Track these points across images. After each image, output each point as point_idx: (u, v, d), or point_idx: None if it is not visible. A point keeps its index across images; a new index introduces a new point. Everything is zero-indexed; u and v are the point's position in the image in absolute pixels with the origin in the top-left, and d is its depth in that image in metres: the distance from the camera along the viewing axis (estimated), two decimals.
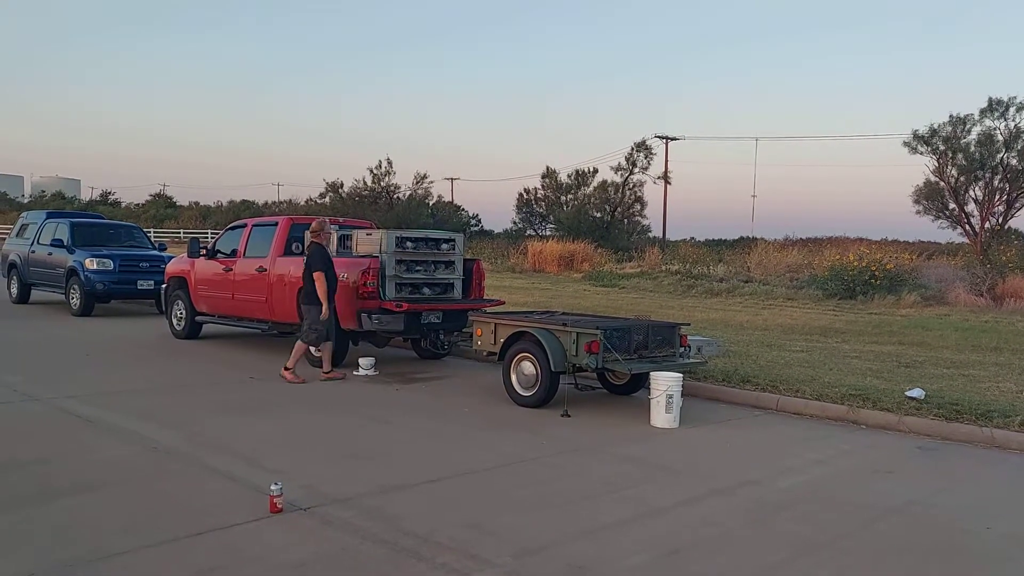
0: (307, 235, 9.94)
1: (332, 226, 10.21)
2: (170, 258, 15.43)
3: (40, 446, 6.28)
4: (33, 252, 17.35)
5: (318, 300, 9.25)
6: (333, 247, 10.49)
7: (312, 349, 9.91)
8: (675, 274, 26.56)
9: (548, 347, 7.88)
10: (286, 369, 9.32)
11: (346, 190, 56.61)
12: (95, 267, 15.53)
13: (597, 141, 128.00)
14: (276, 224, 11.32)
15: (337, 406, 8.03)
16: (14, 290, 17.89)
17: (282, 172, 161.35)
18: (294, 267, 10.48)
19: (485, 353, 8.76)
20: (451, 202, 69.31)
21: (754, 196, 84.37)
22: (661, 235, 52.93)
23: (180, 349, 11.67)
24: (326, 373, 9.56)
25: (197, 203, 74.15)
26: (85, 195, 79.23)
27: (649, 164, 52.21)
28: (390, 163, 57.22)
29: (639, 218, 54.72)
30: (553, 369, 7.86)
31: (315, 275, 9.19)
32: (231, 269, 11.64)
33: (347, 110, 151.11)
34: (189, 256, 12.47)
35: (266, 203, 76.10)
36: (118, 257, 15.73)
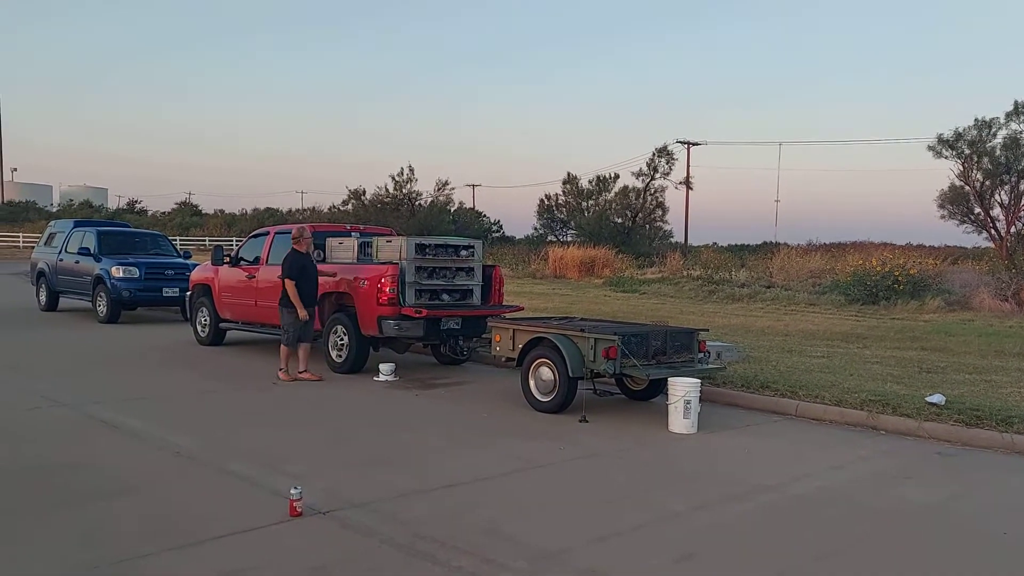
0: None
1: (313, 232, 10.50)
2: (195, 266, 15.62)
3: (67, 451, 6.39)
4: (61, 260, 17.62)
5: (291, 303, 9.68)
6: (347, 253, 10.69)
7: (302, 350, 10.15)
8: (696, 279, 26.47)
9: (566, 353, 7.90)
10: (280, 370, 9.87)
11: (368, 197, 56.86)
12: (121, 275, 15.76)
13: (619, 147, 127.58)
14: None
15: (357, 412, 8.09)
16: (43, 298, 18.17)
17: (305, 179, 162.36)
18: (321, 272, 10.59)
19: (504, 359, 8.78)
20: (472, 208, 69.57)
21: (777, 201, 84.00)
22: (683, 240, 52.72)
23: (204, 355, 11.79)
24: (300, 372, 9.88)
25: (222, 211, 74.70)
26: (112, 203, 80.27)
27: (671, 169, 52.09)
28: (412, 170, 57.70)
29: (660, 223, 54.46)
30: (571, 375, 7.87)
31: (286, 282, 9.65)
32: (254, 276, 11.76)
33: (370, 115, 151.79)
34: (213, 264, 12.62)
35: (290, 211, 76.54)
36: (144, 265, 15.95)
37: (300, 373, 9.93)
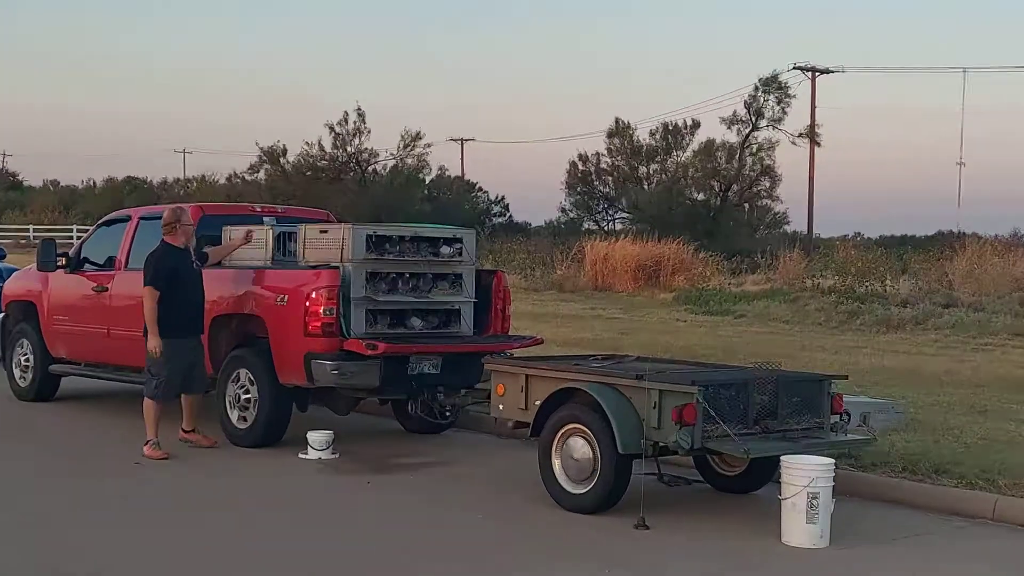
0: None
1: (191, 219, 10.51)
2: (10, 272, 15.55)
3: None
4: None
5: (161, 329, 9.84)
6: (255, 251, 10.71)
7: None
8: (827, 293, 26.40)
9: (613, 414, 7.85)
10: (147, 442, 9.95)
11: (291, 160, 56.96)
12: None
13: (697, 77, 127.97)
14: None
15: (266, 519, 8.04)
16: None
17: (190, 131, 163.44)
18: (211, 282, 10.52)
19: (510, 423, 8.81)
20: (460, 177, 69.73)
21: (960, 164, 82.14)
22: (805, 229, 52.67)
23: (22, 418, 11.73)
24: (185, 432, 10.22)
25: (56, 183, 75.08)
26: None
27: (784, 113, 52.05)
28: (361, 116, 57.14)
29: (768, 201, 54.68)
30: (621, 451, 7.81)
31: (144, 292, 9.88)
32: (106, 289, 11.77)
33: (290, 27, 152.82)
34: (40, 269, 12.58)
35: (164, 182, 76.70)
36: None
37: (187, 433, 10.10)
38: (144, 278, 9.91)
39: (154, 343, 9.83)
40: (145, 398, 10.06)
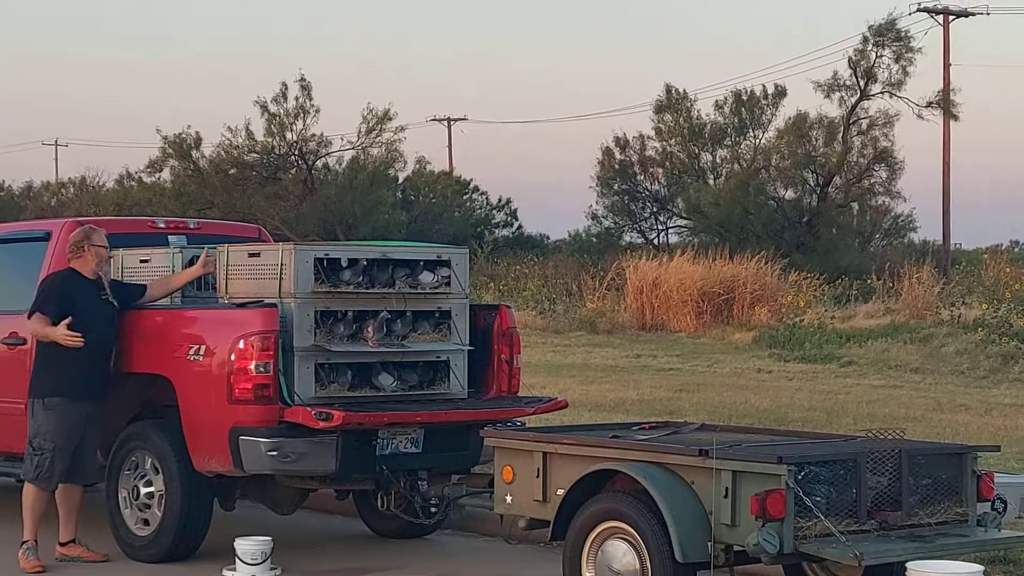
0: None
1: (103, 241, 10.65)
2: None
3: None
4: None
5: (50, 386, 10.08)
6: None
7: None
8: (973, 329, 26.48)
9: (667, 507, 7.87)
10: (22, 543, 10.10)
11: (208, 154, 56.93)
12: None
13: (781, 24, 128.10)
14: (48, 236, 11.55)
15: None
16: None
17: (68, 119, 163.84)
18: None
19: (522, 522, 8.86)
20: (447, 172, 69.82)
21: None
22: (939, 238, 52.68)
23: None
24: (62, 546, 10.31)
25: None
26: None
27: (906, 75, 51.78)
28: (306, 89, 56.83)
29: (886, 199, 54.47)
30: (680, 559, 7.83)
31: (31, 320, 10.16)
32: None
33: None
34: None
35: (29, 187, 76.86)
36: None
37: (64, 547, 10.25)
38: (32, 306, 10.12)
39: (60, 334, 9.91)
40: (26, 483, 10.12)
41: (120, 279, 11.09)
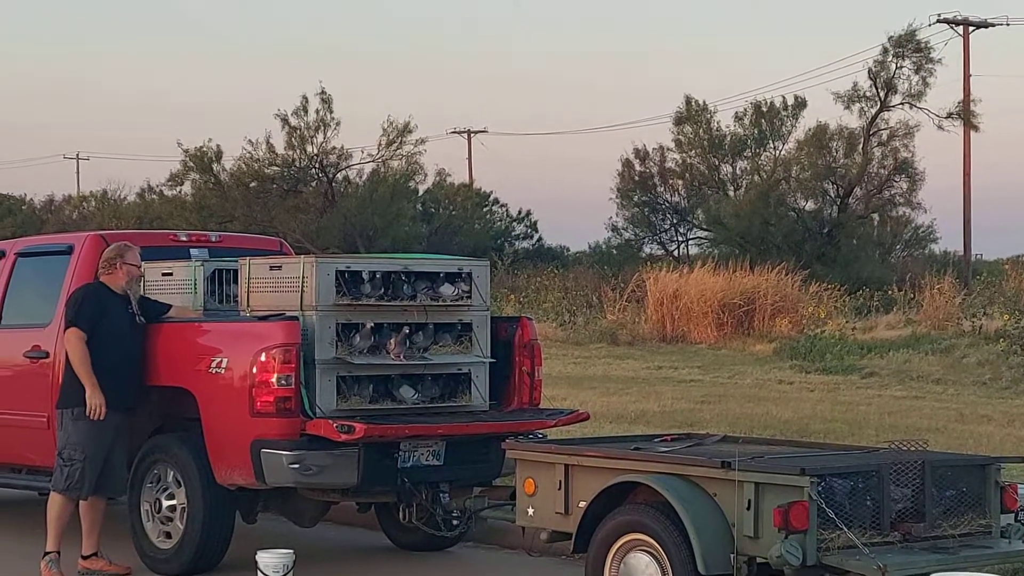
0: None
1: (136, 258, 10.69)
2: None
3: None
4: None
5: (79, 396, 9.98)
6: (179, 297, 10.87)
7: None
8: (995, 340, 26.47)
9: (690, 518, 7.87)
10: (45, 554, 10.12)
11: (229, 167, 56.99)
12: None
13: (801, 35, 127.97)
14: (71, 250, 11.55)
15: None
16: None
17: (88, 132, 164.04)
18: None
19: (544, 534, 8.86)
20: (468, 184, 69.90)
21: None
22: (960, 249, 52.51)
23: None
24: (84, 560, 10.25)
25: None
26: None
27: (927, 85, 51.75)
28: (326, 101, 56.81)
29: (906, 210, 54.39)
30: (703, 571, 7.83)
31: (67, 336, 10.08)
32: None
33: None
34: None
35: (51, 201, 76.88)
36: None
37: (87, 560, 10.21)
38: (64, 320, 10.10)
39: (95, 398, 9.91)
40: (52, 493, 10.10)
41: (144, 292, 11.15)
